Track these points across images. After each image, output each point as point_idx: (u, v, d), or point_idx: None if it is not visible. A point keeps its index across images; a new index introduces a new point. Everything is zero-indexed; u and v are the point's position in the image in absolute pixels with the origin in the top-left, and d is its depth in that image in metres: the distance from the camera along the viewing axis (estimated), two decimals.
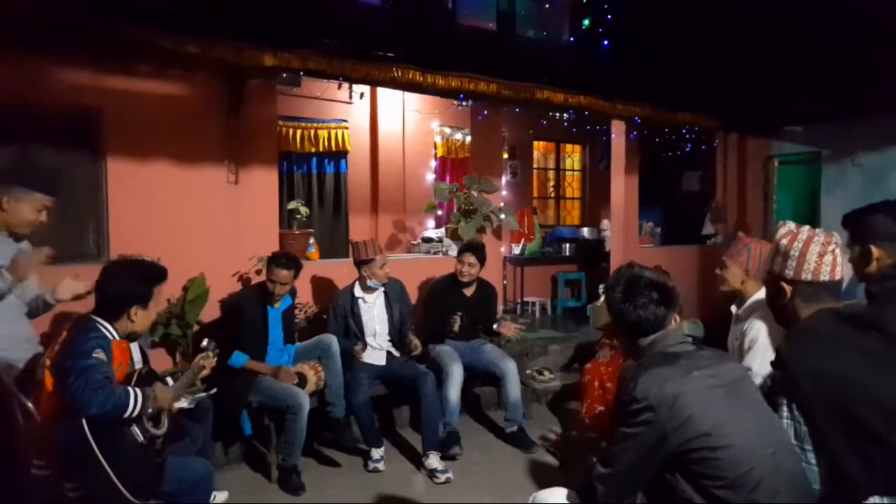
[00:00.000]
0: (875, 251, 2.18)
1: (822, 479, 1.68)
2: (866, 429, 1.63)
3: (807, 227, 1.97)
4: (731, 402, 1.69)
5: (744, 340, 3.01)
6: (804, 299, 1.90)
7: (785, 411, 1.79)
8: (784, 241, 1.95)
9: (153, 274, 2.78)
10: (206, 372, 3.04)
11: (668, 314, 1.84)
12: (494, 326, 4.81)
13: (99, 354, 2.49)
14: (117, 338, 2.64)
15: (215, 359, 3.10)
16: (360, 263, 4.38)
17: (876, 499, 1.66)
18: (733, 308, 3.21)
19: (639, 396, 1.67)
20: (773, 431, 1.70)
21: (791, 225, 2.01)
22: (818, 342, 1.78)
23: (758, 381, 2.72)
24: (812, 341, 1.79)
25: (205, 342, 3.12)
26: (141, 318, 2.69)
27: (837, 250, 1.91)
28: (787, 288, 1.92)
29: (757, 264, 3.01)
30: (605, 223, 8.25)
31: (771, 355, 2.52)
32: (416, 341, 4.41)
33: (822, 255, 1.87)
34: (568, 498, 1.87)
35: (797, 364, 1.75)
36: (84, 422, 2.40)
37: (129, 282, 2.68)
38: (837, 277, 1.91)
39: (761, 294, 2.98)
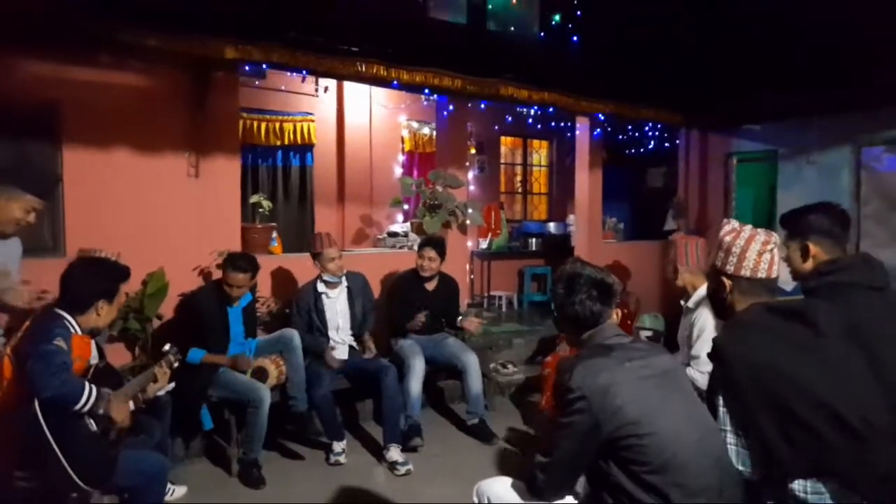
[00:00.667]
0: (812, 247, 2.29)
1: (752, 462, 1.77)
2: (792, 414, 1.72)
3: (749, 226, 2.07)
4: (660, 392, 1.77)
5: (692, 331, 3.13)
6: (742, 293, 1.99)
7: (720, 399, 1.89)
8: (727, 238, 2.04)
9: (118, 272, 2.89)
10: (158, 385, 2.95)
11: (604, 310, 1.91)
12: (458, 321, 4.84)
13: (59, 342, 2.54)
14: (79, 332, 2.69)
15: (176, 363, 3.04)
16: (314, 256, 4.39)
17: (799, 482, 1.75)
18: (682, 302, 3.33)
19: (573, 387, 1.73)
20: (700, 419, 1.79)
21: (734, 223, 2.11)
22: (749, 333, 1.87)
23: (707, 368, 2.84)
24: (743, 332, 1.88)
25: (167, 347, 3.04)
26: (106, 313, 2.79)
27: (776, 250, 2.00)
28: (727, 282, 2.00)
29: (684, 256, 3.17)
30: (571, 218, 8.35)
31: None
32: (370, 344, 4.44)
33: (762, 254, 1.96)
34: (512, 486, 1.93)
35: (729, 354, 1.84)
36: (37, 407, 2.42)
37: (98, 277, 2.79)
38: (774, 275, 2.01)
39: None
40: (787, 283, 2.94)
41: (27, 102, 4.03)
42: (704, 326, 3.01)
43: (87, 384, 2.53)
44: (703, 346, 3.00)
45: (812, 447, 1.72)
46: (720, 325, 2.77)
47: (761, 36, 6.34)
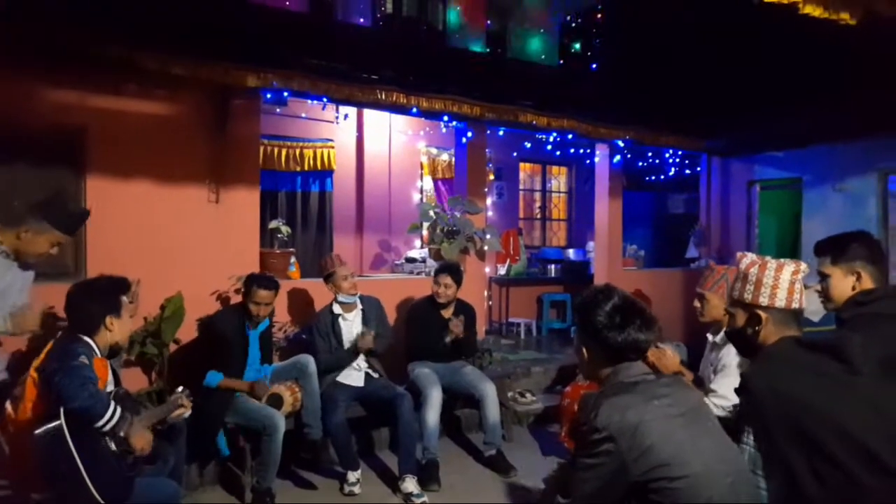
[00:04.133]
0: (863, 274, 2.23)
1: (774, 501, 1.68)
2: (823, 453, 1.65)
3: (769, 257, 2.01)
4: (689, 431, 1.68)
5: (717, 366, 3.03)
6: (775, 325, 1.92)
7: (747, 437, 1.81)
8: (754, 270, 1.96)
9: (114, 285, 2.87)
10: (181, 411, 2.94)
11: (651, 340, 1.83)
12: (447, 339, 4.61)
13: (84, 359, 2.58)
14: (99, 354, 2.71)
15: (190, 403, 3.01)
16: (326, 279, 4.38)
17: None
18: (709, 336, 3.22)
19: (600, 426, 1.66)
20: (732, 459, 1.71)
21: (752, 255, 2.04)
22: (779, 367, 1.80)
23: (724, 403, 2.76)
24: (773, 366, 1.81)
25: (179, 389, 3.01)
26: (118, 327, 2.78)
27: (802, 278, 1.94)
28: (765, 315, 1.92)
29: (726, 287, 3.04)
30: (590, 245, 8.28)
31: (737, 382, 2.55)
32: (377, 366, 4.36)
33: (794, 283, 1.91)
34: None
35: (758, 388, 1.77)
36: (63, 422, 2.44)
37: (95, 298, 2.77)
38: (803, 306, 1.94)
39: None
40: (815, 314, 2.85)
41: (53, 128, 4.11)
42: (729, 363, 2.92)
43: (112, 403, 2.56)
44: (721, 382, 2.90)
45: (844, 488, 1.63)
46: (744, 361, 2.69)
47: (783, 61, 6.29)
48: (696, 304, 3.20)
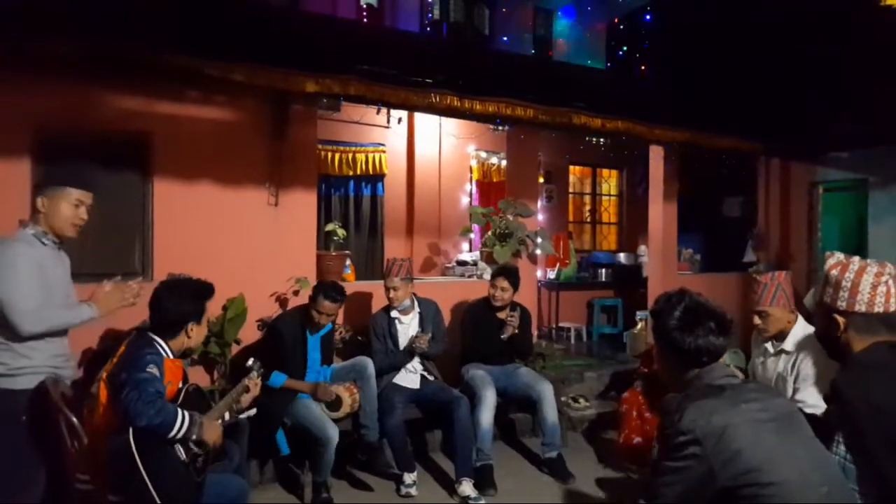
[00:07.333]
0: None
1: None
2: None
3: (857, 258, 1.93)
4: (781, 437, 1.62)
5: (789, 377, 2.93)
6: (858, 331, 1.85)
7: (840, 446, 1.75)
8: (835, 272, 1.90)
9: (203, 290, 2.88)
10: (254, 393, 2.96)
11: (726, 344, 1.77)
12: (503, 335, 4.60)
13: (153, 370, 2.57)
14: (171, 356, 2.73)
15: (259, 378, 3.04)
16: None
17: None
18: (768, 345, 3.12)
19: (684, 429, 1.61)
20: (826, 468, 1.64)
21: (839, 255, 1.97)
22: (874, 374, 1.74)
23: (816, 412, 2.65)
24: (867, 373, 1.75)
25: (250, 361, 3.06)
26: (196, 334, 2.81)
27: (891, 281, 1.85)
28: (841, 320, 1.86)
29: (792, 296, 2.98)
30: (642, 249, 8.14)
31: (825, 389, 2.46)
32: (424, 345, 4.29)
33: (876, 286, 1.83)
34: None
35: (852, 396, 1.71)
36: (131, 435, 2.46)
37: (185, 299, 2.78)
38: (892, 308, 1.85)
39: (805, 327, 2.92)
40: None
41: (122, 134, 4.26)
42: (809, 373, 2.81)
43: (180, 412, 2.56)
44: (809, 393, 2.79)
45: None
46: (828, 368, 2.59)
47: (845, 57, 6.06)
48: (757, 321, 3.10)
